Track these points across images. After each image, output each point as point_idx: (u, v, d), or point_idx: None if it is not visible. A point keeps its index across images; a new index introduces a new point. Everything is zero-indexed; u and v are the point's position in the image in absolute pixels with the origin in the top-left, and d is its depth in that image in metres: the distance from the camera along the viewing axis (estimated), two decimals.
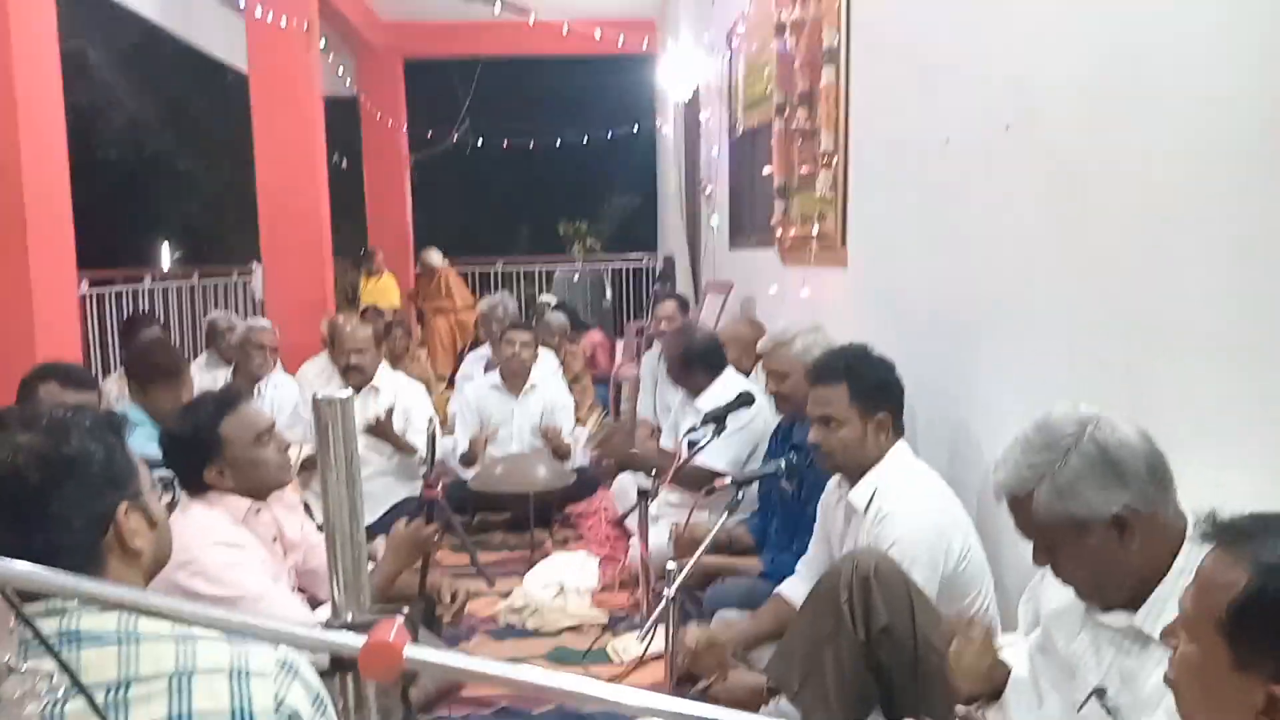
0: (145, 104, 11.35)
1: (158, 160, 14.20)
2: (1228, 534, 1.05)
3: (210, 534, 2.07)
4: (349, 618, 0.84)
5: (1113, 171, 1.85)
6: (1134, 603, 1.36)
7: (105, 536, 1.16)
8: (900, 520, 2.16)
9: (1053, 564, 1.43)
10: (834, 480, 2.45)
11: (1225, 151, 1.51)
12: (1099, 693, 1.38)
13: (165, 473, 2.16)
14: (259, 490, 2.23)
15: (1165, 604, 1.30)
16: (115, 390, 3.88)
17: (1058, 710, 1.49)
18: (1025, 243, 2.22)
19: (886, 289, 3.25)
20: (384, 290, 8.60)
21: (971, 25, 2.51)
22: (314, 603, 3.04)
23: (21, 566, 0.87)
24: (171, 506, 2.03)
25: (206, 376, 4.63)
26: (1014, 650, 1.68)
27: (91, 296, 6.07)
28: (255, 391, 4.28)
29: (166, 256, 18.66)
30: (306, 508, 3.83)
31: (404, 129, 10.25)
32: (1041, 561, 1.44)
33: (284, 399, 4.36)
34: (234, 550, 2.08)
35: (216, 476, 2.17)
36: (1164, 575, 1.34)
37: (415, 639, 0.74)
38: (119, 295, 6.53)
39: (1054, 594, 1.54)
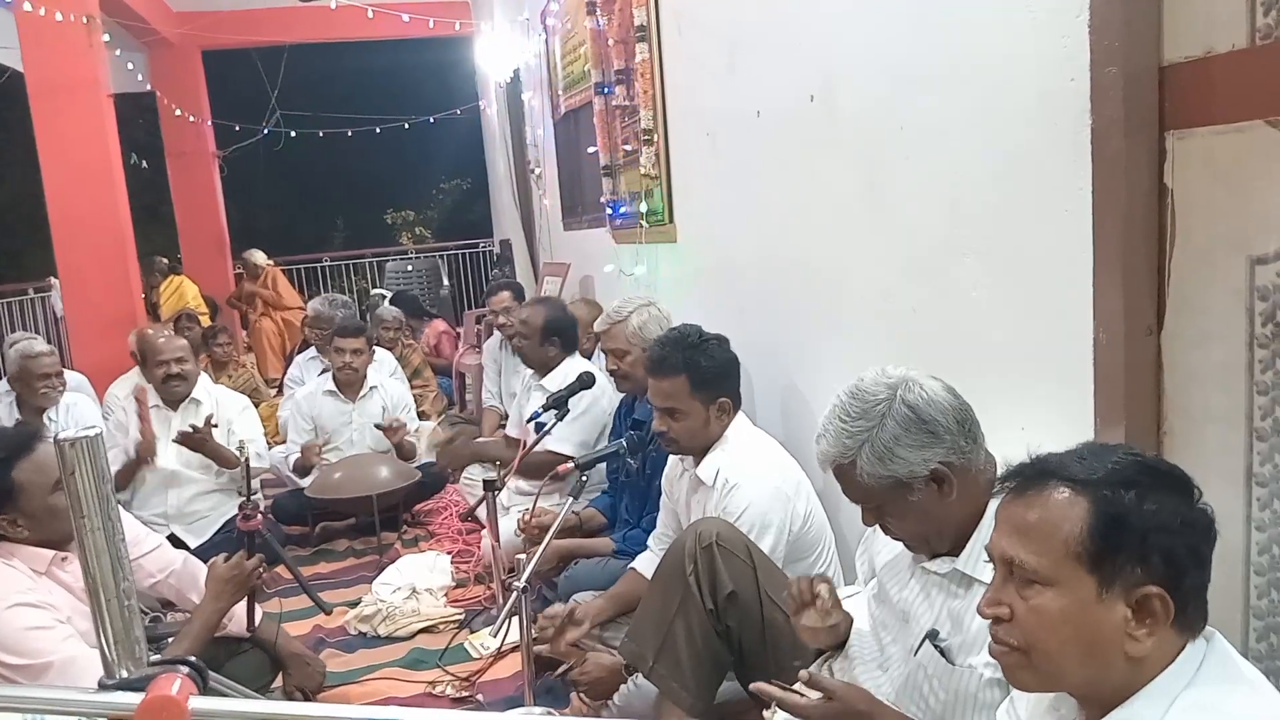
0: None
1: None
2: (1029, 477, 1.05)
3: (6, 594, 1.88)
4: (124, 675, 0.77)
5: (913, 140, 1.93)
6: (955, 548, 1.44)
7: None
8: (747, 489, 2.21)
9: (880, 523, 1.49)
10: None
11: (1017, 120, 1.60)
12: (931, 635, 1.46)
13: None
14: (59, 540, 2.03)
15: (984, 545, 1.38)
16: None
17: (897, 655, 1.56)
18: (837, 210, 2.30)
19: (715, 262, 3.31)
20: (181, 294, 8.10)
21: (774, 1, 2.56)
22: (158, 635, 2.85)
23: None
24: None
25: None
26: (854, 601, 1.75)
27: None
28: (44, 421, 3.91)
29: None
30: None
31: (208, 123, 9.64)
32: (870, 521, 1.50)
33: (77, 418, 4.02)
34: (35, 612, 1.89)
35: (9, 526, 1.97)
36: (980, 519, 1.42)
37: (204, 688, 0.68)
38: None
39: (884, 547, 1.62)
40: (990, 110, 1.66)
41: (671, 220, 3.68)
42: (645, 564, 2.52)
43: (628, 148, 4.20)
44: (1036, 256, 1.58)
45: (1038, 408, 1.60)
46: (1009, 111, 1.61)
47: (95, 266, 6.22)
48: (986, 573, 1.34)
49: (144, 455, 3.64)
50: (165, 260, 8.59)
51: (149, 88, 9.09)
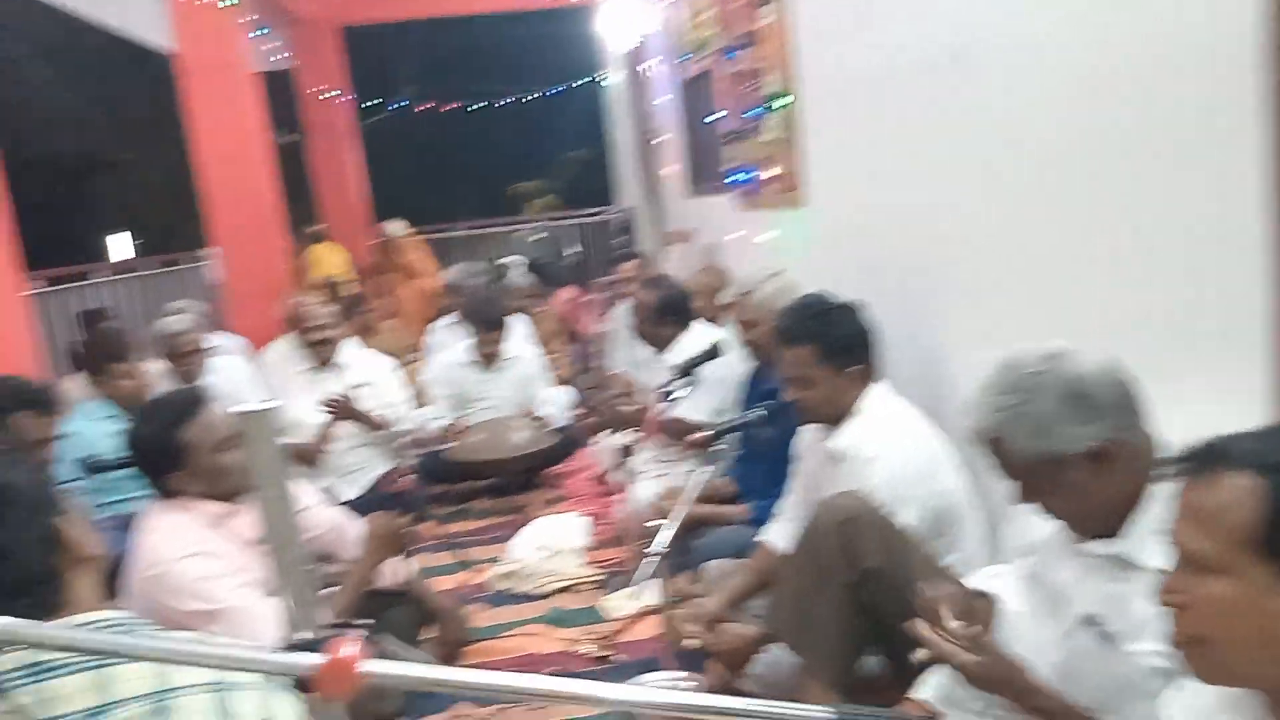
0: (78, 98, 10.98)
1: (95, 153, 13.80)
2: (1203, 460, 1.00)
3: (181, 544, 2.02)
4: (304, 636, 0.82)
5: (1062, 102, 1.84)
6: (1115, 529, 1.39)
7: (55, 554, 1.16)
8: (885, 462, 2.17)
9: (1035, 501, 1.45)
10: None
11: (1185, 75, 1.51)
12: (1087, 619, 1.42)
13: None
14: (227, 494, 2.17)
15: (1146, 529, 1.33)
16: (77, 390, 3.80)
17: (1049, 638, 1.52)
18: (980, 175, 2.22)
19: (847, 228, 3.25)
20: (328, 261, 8.46)
21: None
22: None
23: None
24: None
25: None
26: (1002, 580, 1.71)
27: (44, 296, 5.93)
28: None
29: (119, 249, 18.24)
30: None
31: (347, 99, 10.01)
32: (1024, 499, 1.46)
33: (231, 382, 4.28)
34: (207, 560, 2.03)
35: (181, 482, 2.13)
36: (1142, 501, 1.36)
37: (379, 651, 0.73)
38: (71, 293, 6.38)
39: (1037, 525, 1.57)
40: (1154, 64, 1.57)
41: (800, 186, 3.63)
42: (775, 536, 2.53)
43: (752, 113, 4.15)
44: (1201, 221, 1.49)
45: (1204, 383, 1.52)
46: (1174, 67, 1.52)
47: (247, 236, 6.59)
48: (1149, 557, 1.30)
49: (308, 462, 3.85)
50: (316, 228, 8.96)
51: (292, 65, 9.50)
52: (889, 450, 2.19)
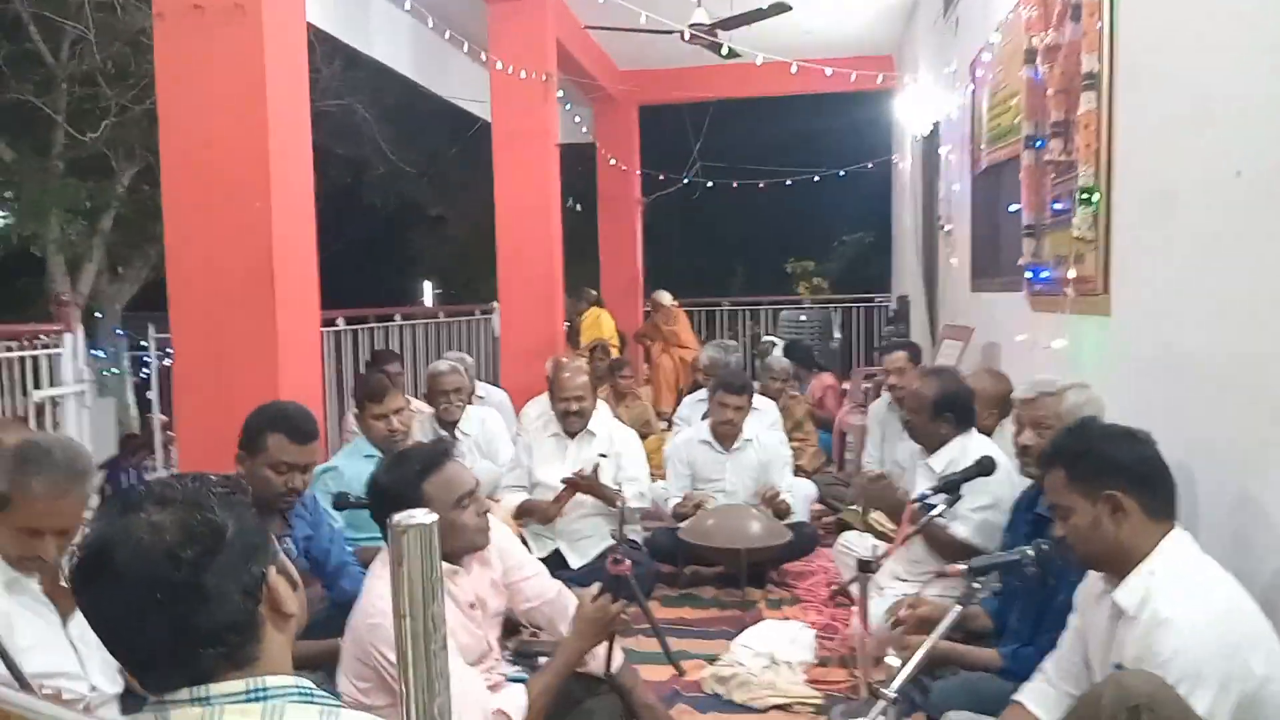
0: (406, 155, 12.35)
1: (416, 207, 15.43)
2: None
3: None
4: None
5: None
6: None
7: (261, 604, 1.11)
8: (1181, 629, 1.76)
9: None
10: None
11: None
12: None
13: None
14: (455, 554, 2.18)
15: None
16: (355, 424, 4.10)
17: None
18: None
19: (1159, 344, 2.80)
20: (599, 325, 8.74)
21: (1259, 48, 2.10)
22: (530, 652, 3.01)
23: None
24: None
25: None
26: None
27: (346, 333, 6.55)
28: (459, 434, 4.38)
29: (427, 295, 20.24)
30: (523, 540, 3.87)
31: (636, 173, 10.46)
32: None
33: (485, 437, 4.43)
34: None
35: None
36: None
37: None
38: (371, 332, 7.01)
39: None
40: None
41: (1106, 290, 3.20)
42: (1034, 696, 2.13)
43: (1058, 206, 3.76)
44: None
45: None
46: None
47: (527, 295, 6.97)
48: None
49: (543, 521, 3.93)
50: (594, 292, 9.35)
51: (590, 139, 10.10)
52: (1188, 614, 1.78)
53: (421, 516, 0.71)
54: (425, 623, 0.69)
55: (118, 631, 1.07)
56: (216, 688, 1.05)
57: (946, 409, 3.24)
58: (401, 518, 0.71)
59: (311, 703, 1.09)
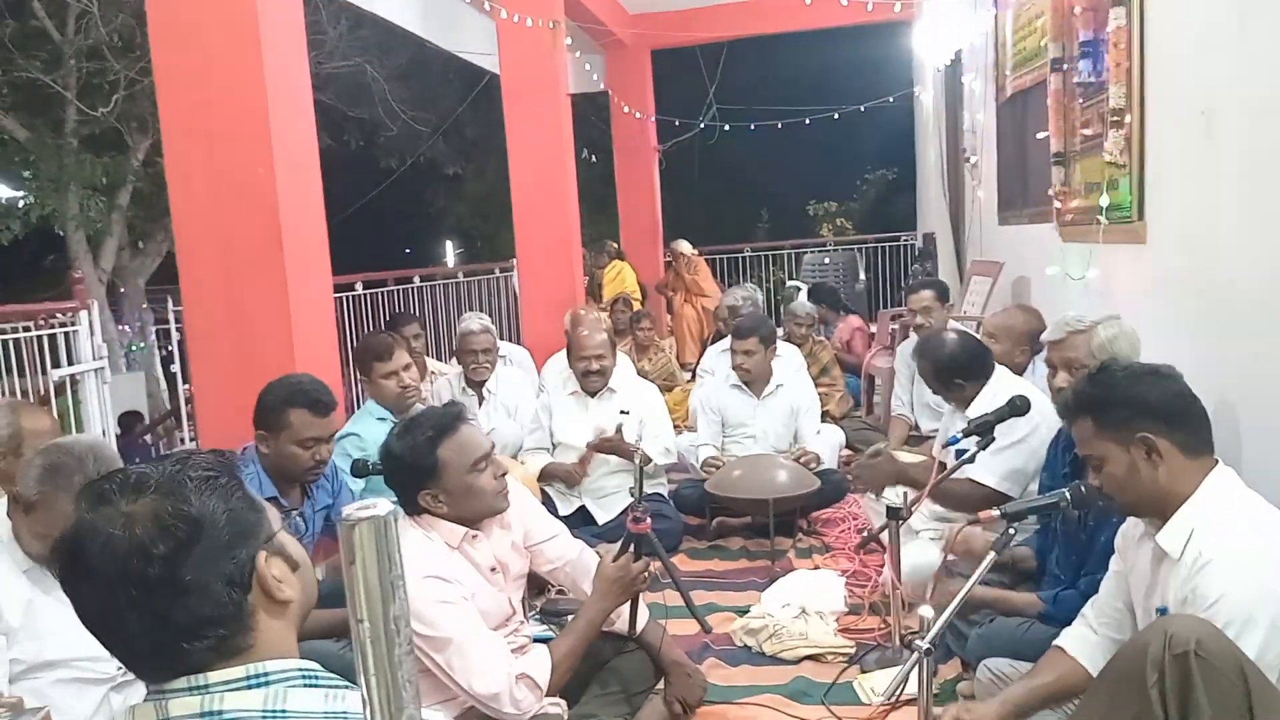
0: (419, 114, 12.17)
1: (432, 166, 15.27)
2: None
3: (423, 564, 1.99)
4: None
5: None
6: None
7: (250, 593, 1.04)
8: (1228, 569, 1.68)
9: None
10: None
11: None
12: None
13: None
14: (473, 518, 2.14)
15: None
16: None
17: None
18: None
19: (1199, 272, 2.67)
20: (621, 278, 8.64)
21: None
22: (557, 611, 2.98)
23: None
24: None
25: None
26: None
27: (365, 298, 6.50)
28: (485, 393, 4.33)
29: (449, 255, 20.18)
30: (547, 500, 3.84)
31: (651, 119, 10.25)
32: None
33: (510, 397, 4.39)
34: (445, 586, 2.00)
35: (431, 500, 2.10)
36: None
37: None
38: (390, 294, 6.97)
39: None
40: None
41: (1141, 217, 3.06)
42: (1076, 642, 2.05)
43: (1087, 131, 3.60)
44: None
45: None
46: None
47: (545, 250, 6.87)
48: None
49: (568, 483, 3.89)
50: (615, 245, 9.22)
51: (602, 87, 9.88)
52: (1235, 555, 1.69)
53: (376, 508, 0.63)
54: (386, 626, 0.61)
55: (98, 627, 1.02)
56: (215, 675, 1.01)
57: (954, 375, 3.12)
58: (353, 509, 0.63)
59: (316, 686, 1.04)
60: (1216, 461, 1.85)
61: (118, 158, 10.26)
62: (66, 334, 4.34)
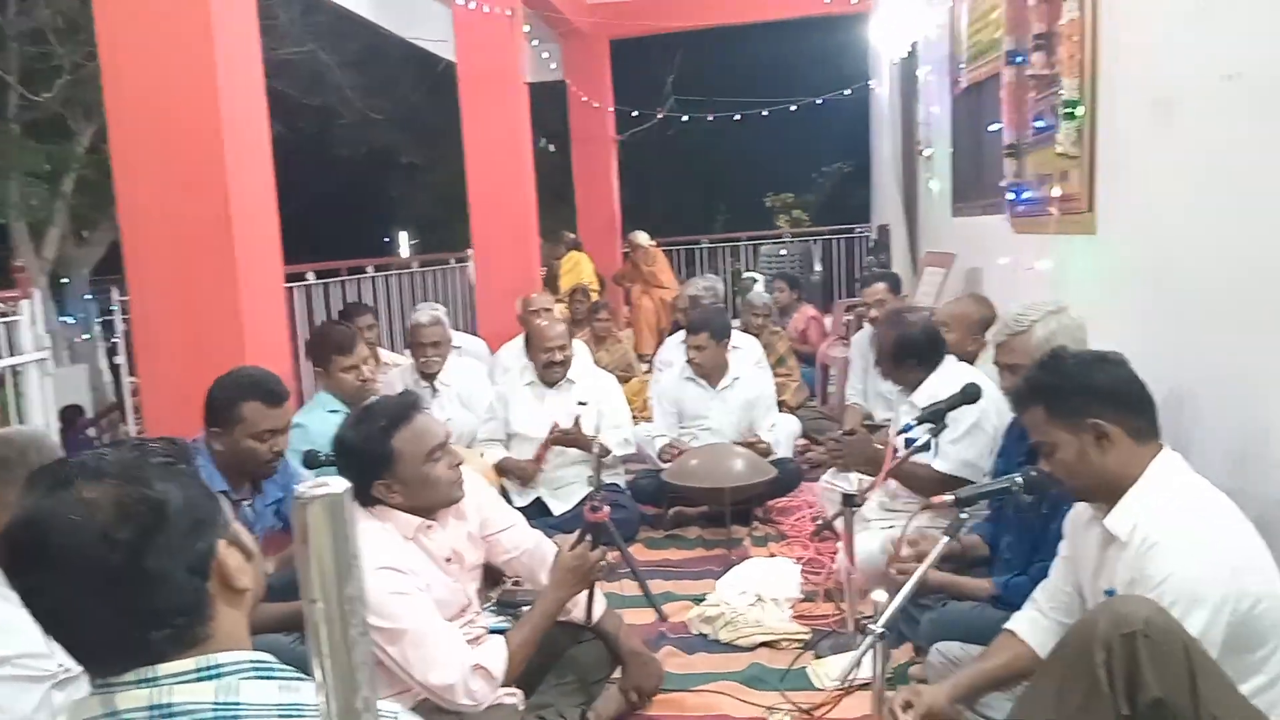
0: (375, 102, 12.00)
1: (387, 155, 15.08)
2: None
3: (377, 555, 1.96)
4: None
5: None
6: None
7: (209, 581, 1.02)
8: (1174, 551, 1.71)
9: None
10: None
11: None
12: None
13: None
14: (428, 508, 2.11)
15: None
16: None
17: None
18: None
19: (1148, 261, 2.72)
20: (579, 269, 8.61)
21: None
22: (514, 602, 2.96)
23: None
24: None
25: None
26: None
27: (317, 288, 6.39)
28: (438, 386, 4.29)
29: (403, 246, 19.94)
30: (504, 491, 3.81)
31: (610, 110, 10.21)
32: None
33: (465, 388, 4.35)
34: (400, 577, 1.97)
35: (385, 491, 2.06)
36: None
37: None
38: (343, 285, 6.85)
39: None
40: None
41: (1092, 208, 3.10)
42: (1025, 625, 2.08)
43: (1040, 124, 3.65)
44: None
45: None
46: None
47: (501, 241, 6.82)
48: None
49: (523, 480, 3.88)
50: (572, 235, 9.19)
51: (560, 76, 9.82)
52: (1180, 536, 1.73)
53: (330, 485, 0.61)
54: (340, 606, 0.59)
55: (54, 618, 0.99)
56: (164, 668, 0.98)
57: (907, 355, 3.15)
58: (305, 487, 0.61)
59: (269, 678, 1.02)
60: (1162, 446, 1.88)
61: (62, 144, 9.98)
62: (7, 324, 4.20)
